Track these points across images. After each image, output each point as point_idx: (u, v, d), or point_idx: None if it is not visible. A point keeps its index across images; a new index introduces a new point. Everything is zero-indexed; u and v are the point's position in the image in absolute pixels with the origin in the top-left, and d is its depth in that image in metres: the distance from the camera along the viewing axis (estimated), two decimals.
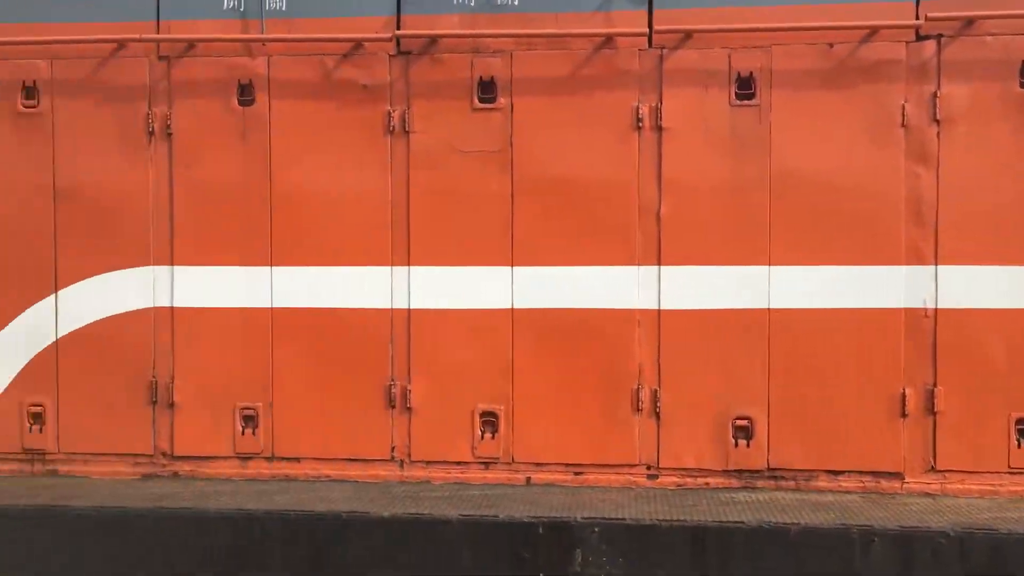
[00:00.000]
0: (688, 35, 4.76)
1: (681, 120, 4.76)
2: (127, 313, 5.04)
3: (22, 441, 5.09)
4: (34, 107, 5.07)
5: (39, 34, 5.03)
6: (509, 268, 4.87)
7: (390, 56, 4.94)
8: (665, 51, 4.79)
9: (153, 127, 5.03)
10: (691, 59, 4.77)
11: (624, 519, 4.23)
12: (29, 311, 5.08)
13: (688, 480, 4.79)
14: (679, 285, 4.77)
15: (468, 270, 4.90)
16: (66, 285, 5.05)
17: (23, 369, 5.09)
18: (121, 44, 5.02)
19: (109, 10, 5.04)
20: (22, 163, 5.07)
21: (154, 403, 5.05)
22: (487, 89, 4.88)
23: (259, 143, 4.99)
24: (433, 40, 4.91)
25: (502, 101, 4.87)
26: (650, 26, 4.78)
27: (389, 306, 4.95)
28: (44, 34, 5.03)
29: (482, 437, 4.90)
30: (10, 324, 5.09)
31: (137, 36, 4.98)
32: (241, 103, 5.00)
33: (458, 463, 4.93)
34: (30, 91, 5.07)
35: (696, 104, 4.76)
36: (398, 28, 4.92)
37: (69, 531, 4.47)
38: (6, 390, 5.11)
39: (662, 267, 4.79)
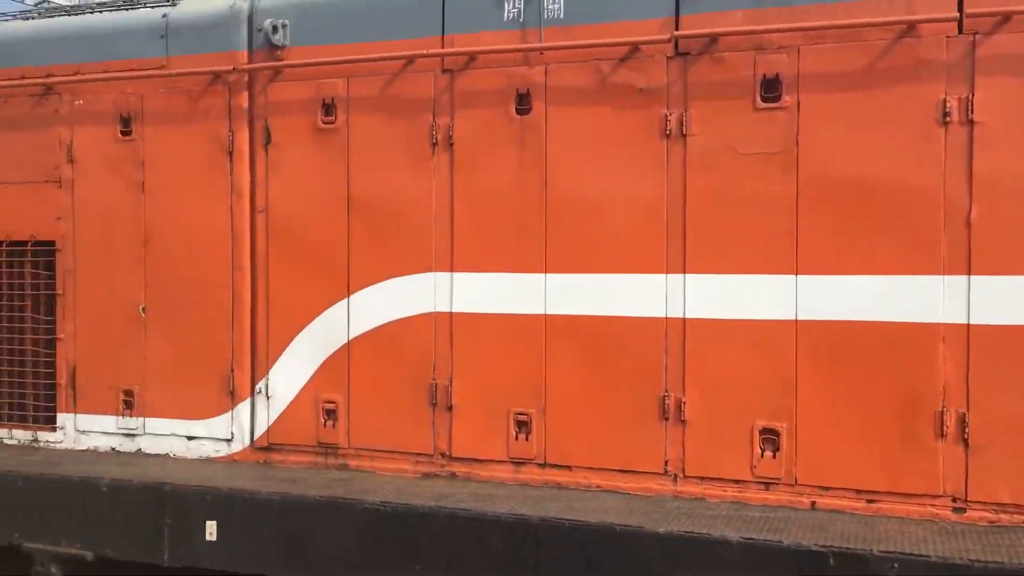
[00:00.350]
0: (1007, 17, 4.24)
1: (997, 113, 4.25)
2: (411, 317, 5.26)
3: (318, 435, 5.45)
4: (332, 123, 5.42)
5: (337, 55, 5.38)
6: (793, 276, 4.57)
7: (667, 58, 4.80)
8: (978, 37, 4.30)
9: (436, 138, 5.21)
10: (1010, 44, 4.24)
11: (929, 556, 3.81)
12: (326, 312, 5.43)
13: (1003, 517, 4.25)
14: (994, 297, 4.25)
15: (747, 278, 4.66)
16: (357, 289, 5.36)
17: (320, 366, 5.45)
18: (410, 60, 5.25)
19: (399, 29, 5.29)
20: (322, 175, 5.43)
21: (434, 405, 5.23)
22: (770, 87, 4.62)
23: (535, 151, 5.03)
24: (713, 39, 4.72)
25: (787, 99, 4.58)
26: (960, 9, 4.30)
27: (663, 315, 4.81)
28: (342, 55, 5.37)
29: (762, 455, 4.63)
30: (311, 324, 5.47)
31: (424, 52, 5.19)
32: (519, 111, 5.07)
33: (735, 481, 4.69)
34: (328, 108, 5.43)
35: (1016, 95, 4.23)
36: (676, 29, 4.77)
37: (357, 524, 4.72)
38: (305, 386, 5.49)
39: (972, 277, 4.29)
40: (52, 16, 6.32)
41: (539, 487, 4.99)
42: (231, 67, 5.57)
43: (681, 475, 4.79)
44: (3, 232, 6.12)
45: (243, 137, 5.60)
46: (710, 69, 4.73)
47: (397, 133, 5.30)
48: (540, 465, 5.05)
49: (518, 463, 5.08)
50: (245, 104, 5.60)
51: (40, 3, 6.85)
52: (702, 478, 4.76)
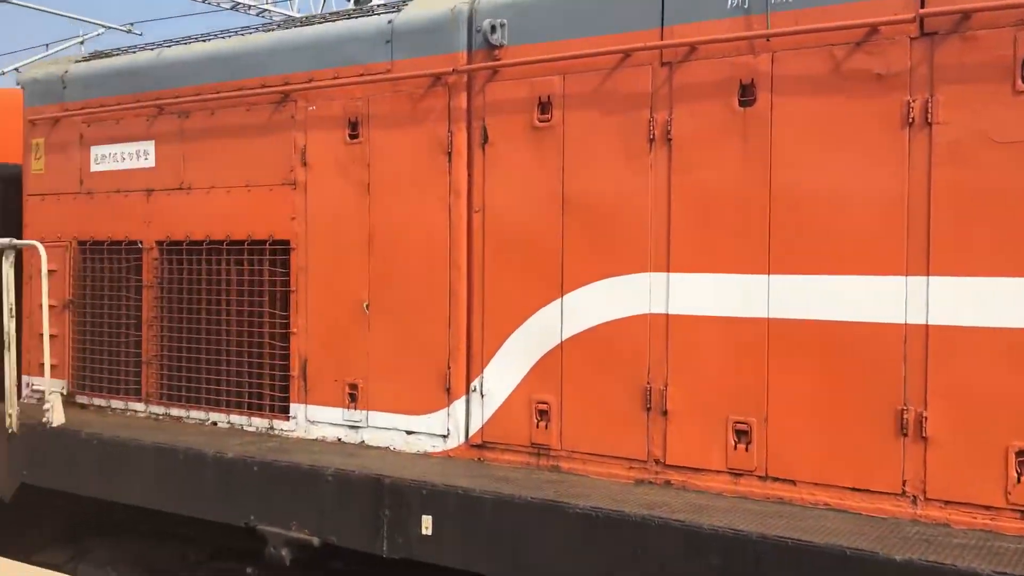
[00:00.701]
0: None
1: None
2: (625, 319, 5.12)
3: (530, 436, 5.43)
4: (548, 121, 5.37)
5: (553, 52, 5.32)
6: None
7: (911, 39, 4.37)
8: None
9: (654, 133, 5.04)
10: None
11: None
12: (540, 312, 5.40)
13: None
14: None
15: (1003, 281, 4.16)
16: (571, 289, 5.28)
17: (534, 367, 5.42)
18: (627, 54, 5.11)
19: (616, 23, 5.16)
20: (537, 173, 5.40)
21: (648, 409, 5.06)
22: None
23: (759, 144, 4.75)
24: (965, 16, 4.25)
25: None
26: None
27: (903, 321, 4.40)
28: (557, 52, 5.31)
29: (1018, 480, 4.12)
30: (525, 323, 5.45)
31: (642, 44, 5.03)
32: (742, 103, 4.80)
33: (986, 507, 4.20)
34: (544, 106, 5.39)
35: None
36: (922, 7, 4.34)
37: (568, 528, 4.64)
38: (519, 385, 5.48)
39: None
40: (290, 27, 6.69)
41: (759, 501, 4.70)
42: (450, 68, 5.66)
43: (921, 497, 4.36)
44: (245, 231, 6.54)
45: (461, 137, 5.67)
46: (960, 50, 4.27)
47: (613, 130, 5.17)
48: (761, 478, 4.76)
49: (737, 474, 4.82)
50: (464, 105, 5.67)
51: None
52: (946, 502, 4.30)
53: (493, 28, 5.51)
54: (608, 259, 5.18)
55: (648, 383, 5.06)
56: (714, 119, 4.87)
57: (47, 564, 6.97)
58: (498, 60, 5.55)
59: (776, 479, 4.72)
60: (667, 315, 5.01)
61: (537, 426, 5.41)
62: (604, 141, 5.20)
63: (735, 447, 4.81)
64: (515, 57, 5.48)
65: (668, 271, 5.01)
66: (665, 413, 5.00)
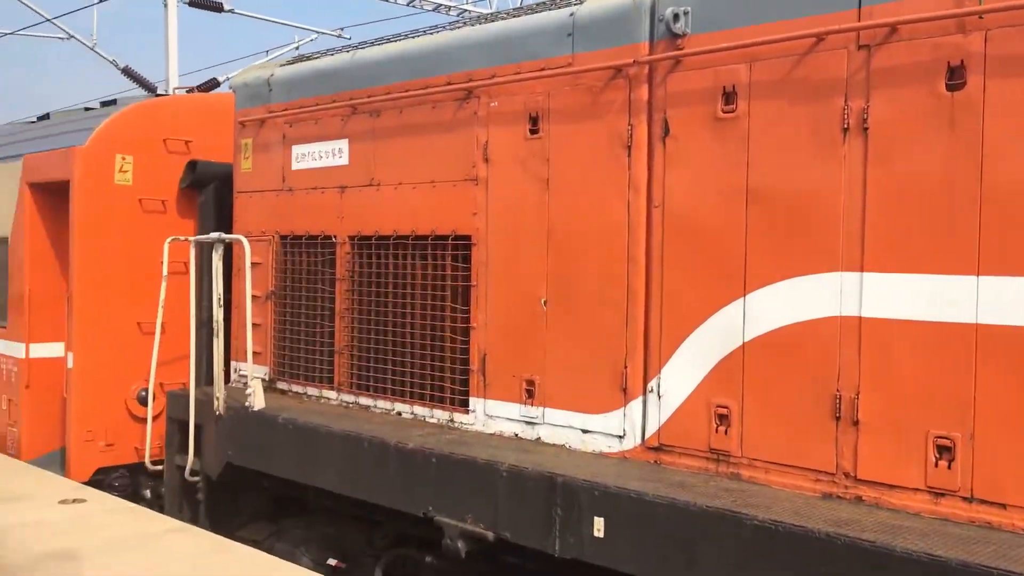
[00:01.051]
0: None
1: None
2: (812, 321, 4.80)
3: (709, 440, 5.20)
4: (732, 111, 5.12)
5: (739, 40, 5.07)
6: None
7: None
8: None
9: (848, 122, 4.68)
10: None
11: None
12: (721, 311, 5.16)
13: None
14: None
15: None
16: (754, 289, 5.01)
17: (713, 369, 5.19)
18: (820, 38, 4.78)
19: (806, 4, 4.84)
20: (719, 167, 5.16)
21: (837, 418, 4.72)
22: None
23: (968, 132, 4.31)
24: None
25: None
26: None
27: None
28: (743, 39, 5.05)
29: None
30: (704, 323, 5.23)
31: (837, 27, 4.69)
32: (949, 88, 4.37)
33: None
34: (729, 96, 5.14)
35: None
36: None
37: (745, 540, 4.40)
38: (697, 387, 5.27)
39: None
40: (475, 24, 6.76)
41: (963, 525, 4.27)
42: (631, 60, 5.51)
43: None
44: (429, 227, 6.67)
45: (641, 130, 5.52)
46: None
47: (803, 119, 4.85)
48: (965, 499, 4.33)
49: (937, 494, 4.40)
50: (645, 97, 5.51)
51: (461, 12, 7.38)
52: None
53: (676, 17, 5.31)
54: (795, 257, 4.87)
55: (838, 390, 4.72)
56: (917, 105, 4.47)
57: (248, 540, 7.43)
58: (681, 50, 5.34)
59: (983, 501, 4.28)
60: (860, 318, 4.65)
61: (716, 431, 5.17)
62: (793, 132, 4.89)
63: (936, 464, 4.40)
64: (698, 46, 5.26)
65: (862, 270, 4.65)
66: (856, 423, 4.65)
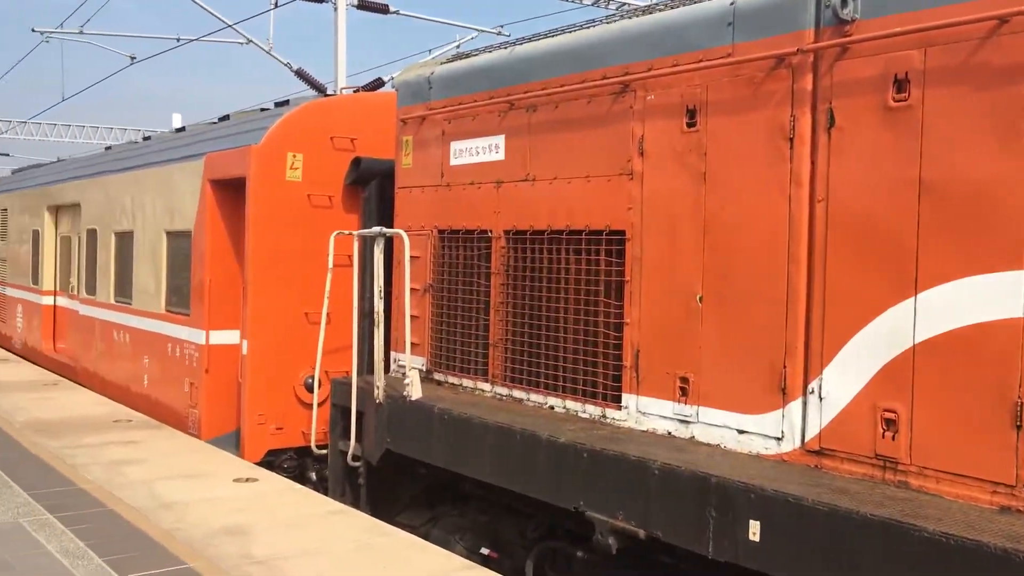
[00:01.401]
0: None
1: None
2: (991, 323, 4.48)
3: (874, 446, 4.96)
4: (904, 100, 4.85)
5: (913, 23, 4.79)
6: None
7: None
8: None
9: None
10: None
11: None
12: (889, 311, 4.90)
13: None
14: None
15: None
16: (926, 287, 4.73)
17: (879, 371, 4.94)
18: (1003, 20, 4.45)
19: None
20: (889, 159, 4.90)
21: (1019, 427, 4.40)
22: None
23: None
24: None
25: None
26: None
27: None
28: (917, 23, 4.76)
29: None
30: (871, 323, 4.99)
31: (1019, 9, 4.36)
32: None
33: None
34: (901, 84, 4.86)
35: None
36: None
37: (911, 553, 4.17)
38: (862, 390, 5.03)
39: None
40: (631, 17, 6.69)
41: None
42: (795, 48, 5.30)
43: None
44: (583, 221, 6.66)
45: (805, 122, 5.30)
46: None
47: (984, 107, 4.53)
48: None
49: None
50: (809, 87, 5.29)
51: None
52: None
53: (844, 2, 5.08)
54: (973, 254, 4.56)
55: (1019, 398, 4.39)
56: None
57: (404, 525, 7.67)
58: (849, 36, 5.10)
59: None
60: None
61: (883, 436, 4.92)
62: (972, 121, 4.58)
63: None
64: (868, 31, 5.00)
65: None
66: None
